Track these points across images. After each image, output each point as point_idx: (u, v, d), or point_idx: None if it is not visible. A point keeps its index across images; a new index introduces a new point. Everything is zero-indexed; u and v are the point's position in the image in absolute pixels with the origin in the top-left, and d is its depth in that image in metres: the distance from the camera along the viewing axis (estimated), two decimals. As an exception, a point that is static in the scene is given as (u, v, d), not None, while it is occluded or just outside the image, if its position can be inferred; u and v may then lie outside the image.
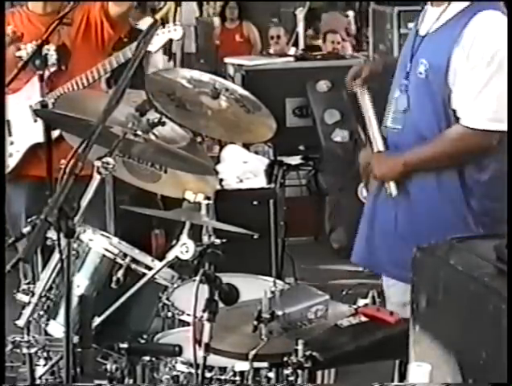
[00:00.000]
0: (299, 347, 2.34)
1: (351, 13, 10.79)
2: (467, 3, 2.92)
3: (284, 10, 10.71)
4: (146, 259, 2.92)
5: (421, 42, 3.00)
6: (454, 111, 2.92)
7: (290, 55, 7.11)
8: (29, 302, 2.87)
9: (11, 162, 3.89)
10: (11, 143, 3.93)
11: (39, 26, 3.95)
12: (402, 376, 2.32)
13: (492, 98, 2.87)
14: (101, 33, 3.93)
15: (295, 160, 5.55)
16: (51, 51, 3.94)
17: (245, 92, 3.20)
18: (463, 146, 2.93)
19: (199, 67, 9.99)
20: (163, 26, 3.70)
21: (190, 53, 10.76)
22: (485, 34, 2.87)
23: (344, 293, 3.55)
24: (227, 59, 6.98)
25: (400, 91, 3.03)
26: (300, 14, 8.31)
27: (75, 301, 2.48)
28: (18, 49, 3.99)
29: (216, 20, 10.84)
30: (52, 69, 3.90)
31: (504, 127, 2.85)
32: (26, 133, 3.90)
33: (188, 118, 3.12)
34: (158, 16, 2.82)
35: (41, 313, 2.89)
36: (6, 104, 3.62)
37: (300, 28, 8.25)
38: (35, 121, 3.86)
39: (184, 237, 2.65)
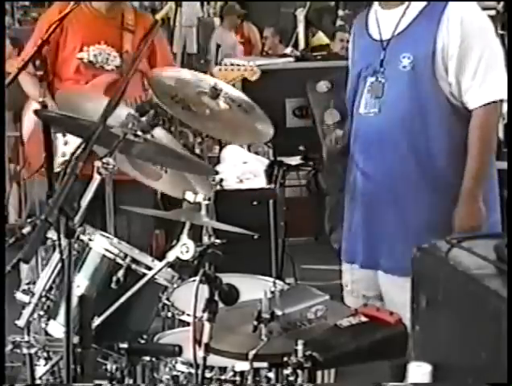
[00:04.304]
0: (299, 347, 2.34)
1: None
2: None
3: (284, 10, 10.71)
4: (146, 259, 2.92)
5: (390, 41, 3.10)
6: (450, 97, 3.01)
7: (290, 56, 7.12)
8: (29, 302, 2.87)
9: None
10: (66, 143, 3.92)
11: (104, 29, 3.98)
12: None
13: (495, 70, 3.00)
14: None
15: (295, 160, 5.54)
16: (112, 54, 3.94)
17: (239, 94, 3.18)
18: (492, 124, 3.04)
19: (199, 67, 9.99)
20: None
21: (191, 54, 10.78)
22: (471, 13, 3.02)
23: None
24: (227, 60, 6.99)
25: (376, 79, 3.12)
26: (300, 14, 8.33)
27: (75, 301, 2.48)
28: (81, 50, 3.98)
29: (217, 20, 10.85)
30: (112, 74, 3.90)
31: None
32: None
33: (194, 120, 3.11)
34: (158, 16, 2.81)
35: (41, 313, 2.89)
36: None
37: (300, 28, 8.26)
38: None
39: (184, 237, 2.65)
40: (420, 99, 3.03)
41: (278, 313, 2.49)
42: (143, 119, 2.77)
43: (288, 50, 7.87)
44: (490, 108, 3.00)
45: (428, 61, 2.99)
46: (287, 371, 2.41)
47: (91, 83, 3.95)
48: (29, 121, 4.09)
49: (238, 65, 4.09)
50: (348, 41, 7.88)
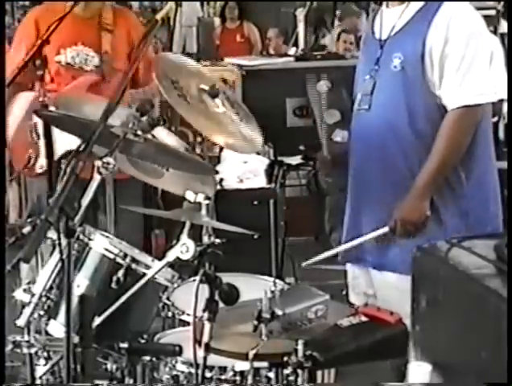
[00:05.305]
0: (299, 347, 2.34)
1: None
2: None
3: (284, 10, 10.70)
4: (147, 259, 2.92)
5: (387, 41, 3.12)
6: (437, 98, 3.02)
7: (290, 55, 7.11)
8: (29, 302, 2.87)
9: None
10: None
11: (81, 29, 3.93)
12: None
13: (474, 74, 2.98)
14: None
15: (295, 160, 5.55)
16: (90, 54, 3.92)
17: (239, 102, 3.15)
18: (463, 128, 3.00)
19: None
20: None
21: (191, 53, 10.76)
22: (460, 16, 3.01)
23: (344, 293, 3.54)
24: (227, 59, 6.98)
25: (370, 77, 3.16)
26: (300, 14, 8.32)
27: (75, 301, 2.48)
28: (58, 53, 3.97)
29: (217, 20, 10.83)
30: (92, 75, 3.89)
31: (490, 98, 3.02)
32: (60, 139, 3.80)
33: (188, 111, 3.08)
34: (158, 16, 2.81)
35: (41, 313, 2.89)
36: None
37: (301, 28, 8.25)
38: None
39: (184, 237, 2.65)
40: (409, 99, 3.04)
41: (279, 312, 2.49)
42: (143, 119, 2.77)
43: (292, 50, 7.86)
44: (463, 111, 2.98)
45: (417, 63, 3.01)
46: (287, 371, 2.41)
47: (71, 84, 3.92)
48: (13, 119, 4.03)
49: (221, 65, 4.05)
50: (351, 43, 7.98)
